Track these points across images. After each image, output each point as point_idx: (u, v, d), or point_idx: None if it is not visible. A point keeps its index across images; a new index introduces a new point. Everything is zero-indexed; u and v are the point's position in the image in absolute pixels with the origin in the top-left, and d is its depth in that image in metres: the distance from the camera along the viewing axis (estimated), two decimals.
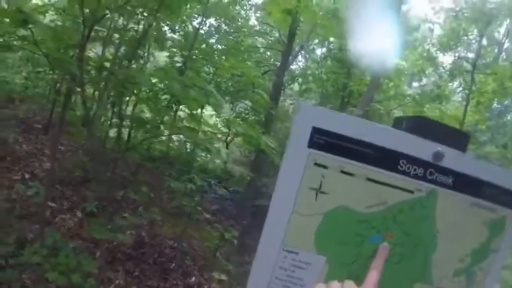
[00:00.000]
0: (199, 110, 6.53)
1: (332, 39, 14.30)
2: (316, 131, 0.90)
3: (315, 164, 0.91)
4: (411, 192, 0.94)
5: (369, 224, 0.94)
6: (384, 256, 0.94)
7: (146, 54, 7.56)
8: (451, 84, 15.27)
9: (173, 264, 6.11)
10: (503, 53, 18.80)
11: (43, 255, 4.26)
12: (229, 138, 10.42)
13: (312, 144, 0.91)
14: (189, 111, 5.50)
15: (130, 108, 7.73)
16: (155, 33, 5.45)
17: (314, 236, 0.94)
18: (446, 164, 0.95)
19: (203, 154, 10.55)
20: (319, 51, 15.47)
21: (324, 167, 0.91)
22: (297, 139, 0.91)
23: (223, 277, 6.50)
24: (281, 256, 0.95)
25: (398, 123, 1.04)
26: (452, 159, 0.96)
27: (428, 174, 0.94)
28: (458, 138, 1.02)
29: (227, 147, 11.13)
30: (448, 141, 0.96)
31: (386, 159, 0.92)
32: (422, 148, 0.94)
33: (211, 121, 8.28)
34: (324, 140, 0.91)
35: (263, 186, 9.86)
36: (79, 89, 4.74)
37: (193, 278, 6.10)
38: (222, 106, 4.55)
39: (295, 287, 0.96)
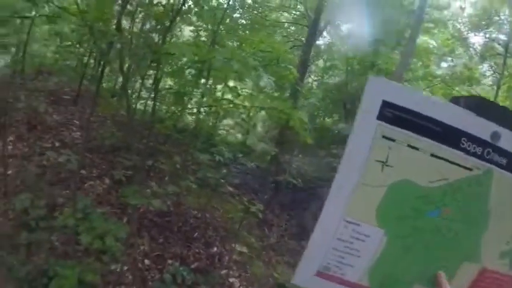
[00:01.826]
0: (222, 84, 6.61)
1: None
2: (386, 104, 0.93)
3: (383, 136, 0.94)
4: (470, 169, 0.96)
5: (429, 198, 0.97)
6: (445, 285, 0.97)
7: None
8: (480, 66, 14.71)
9: (197, 234, 6.26)
10: None
11: (77, 218, 4.43)
12: (251, 113, 10.45)
13: (381, 117, 0.93)
14: (228, 84, 5.55)
15: (150, 82, 7.81)
16: (191, 5, 5.49)
17: (377, 208, 0.96)
18: (502, 145, 0.97)
19: (224, 129, 10.60)
20: (345, 28, 15.11)
21: (392, 140, 0.94)
22: (367, 111, 0.94)
23: (244, 249, 6.62)
24: (341, 226, 0.97)
25: (455, 103, 1.05)
26: (508, 140, 0.98)
27: (485, 154, 0.97)
28: None
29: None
30: (504, 123, 0.98)
31: (450, 136, 0.95)
32: (482, 127, 0.96)
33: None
34: (392, 114, 0.93)
35: (285, 162, 9.88)
36: (116, 61, 4.83)
37: (215, 248, 6.25)
38: (262, 79, 4.57)
39: (351, 258, 0.99)
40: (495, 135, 0.96)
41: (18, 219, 4.88)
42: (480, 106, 1.00)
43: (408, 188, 0.95)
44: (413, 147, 0.94)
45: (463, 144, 0.95)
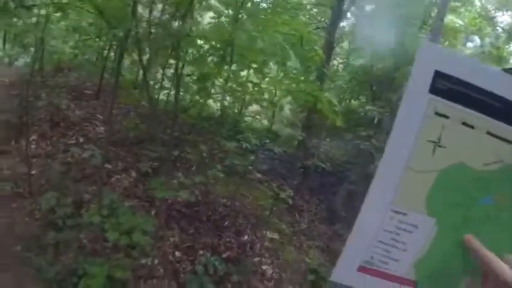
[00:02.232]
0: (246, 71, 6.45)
1: None
2: (439, 75, 0.82)
3: (436, 113, 0.82)
4: None
5: (482, 183, 0.84)
6: None
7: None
8: (507, 46, 14.24)
9: (227, 222, 6.18)
10: None
11: (103, 215, 4.38)
12: (276, 97, 10.31)
13: (434, 89, 0.82)
14: (253, 65, 5.38)
15: (171, 71, 7.75)
16: None
17: (427, 196, 0.85)
18: None
19: (250, 116, 10.46)
20: (369, 8, 14.75)
21: (446, 116, 0.82)
22: (418, 83, 0.82)
23: (275, 236, 6.53)
24: (387, 217, 0.86)
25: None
26: None
27: None
28: None
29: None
30: None
31: (509, 112, 0.82)
32: None
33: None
34: (447, 86, 0.82)
35: (313, 147, 9.74)
36: (134, 49, 4.71)
37: (246, 236, 6.16)
38: (290, 58, 4.37)
39: (396, 251, 0.88)
40: None
41: (44, 218, 4.86)
42: None
43: (462, 172, 0.84)
44: (468, 125, 0.82)
45: None
